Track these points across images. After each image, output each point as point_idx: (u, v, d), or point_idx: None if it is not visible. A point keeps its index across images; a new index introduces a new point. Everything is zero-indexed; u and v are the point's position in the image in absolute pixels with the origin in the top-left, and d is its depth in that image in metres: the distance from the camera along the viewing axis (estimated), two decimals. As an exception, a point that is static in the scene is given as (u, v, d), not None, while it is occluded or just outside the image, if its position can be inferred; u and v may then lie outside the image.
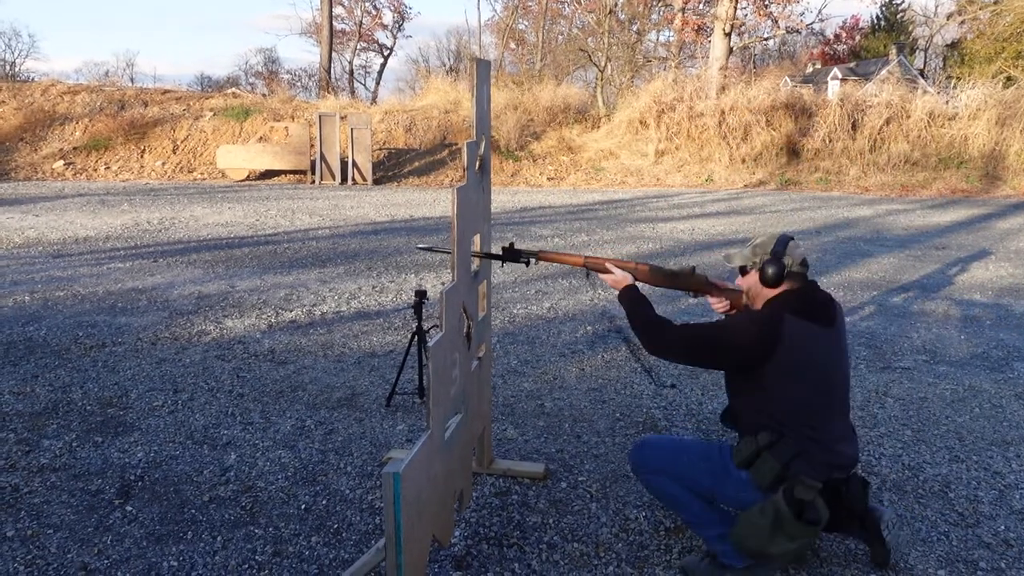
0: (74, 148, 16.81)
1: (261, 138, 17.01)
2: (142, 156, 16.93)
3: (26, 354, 4.53)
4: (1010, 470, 3.20)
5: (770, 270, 2.27)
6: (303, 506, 2.81)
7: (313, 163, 16.23)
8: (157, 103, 18.31)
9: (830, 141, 18.51)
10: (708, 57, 21.65)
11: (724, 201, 14.49)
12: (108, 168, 16.41)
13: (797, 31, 26.39)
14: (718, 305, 2.62)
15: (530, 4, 36.60)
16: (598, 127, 19.79)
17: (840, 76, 32.23)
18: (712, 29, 21.75)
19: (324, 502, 2.84)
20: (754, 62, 36.57)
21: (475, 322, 2.50)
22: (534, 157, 18.45)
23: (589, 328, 5.31)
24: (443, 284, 6.24)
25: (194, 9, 77.33)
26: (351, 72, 40.08)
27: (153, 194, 13.31)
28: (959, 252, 8.87)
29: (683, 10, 25.89)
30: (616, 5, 28.37)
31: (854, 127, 18.57)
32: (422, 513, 1.90)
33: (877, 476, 3.11)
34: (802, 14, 37.99)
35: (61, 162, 16.27)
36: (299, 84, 42.07)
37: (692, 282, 2.62)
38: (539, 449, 3.34)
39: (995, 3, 23.52)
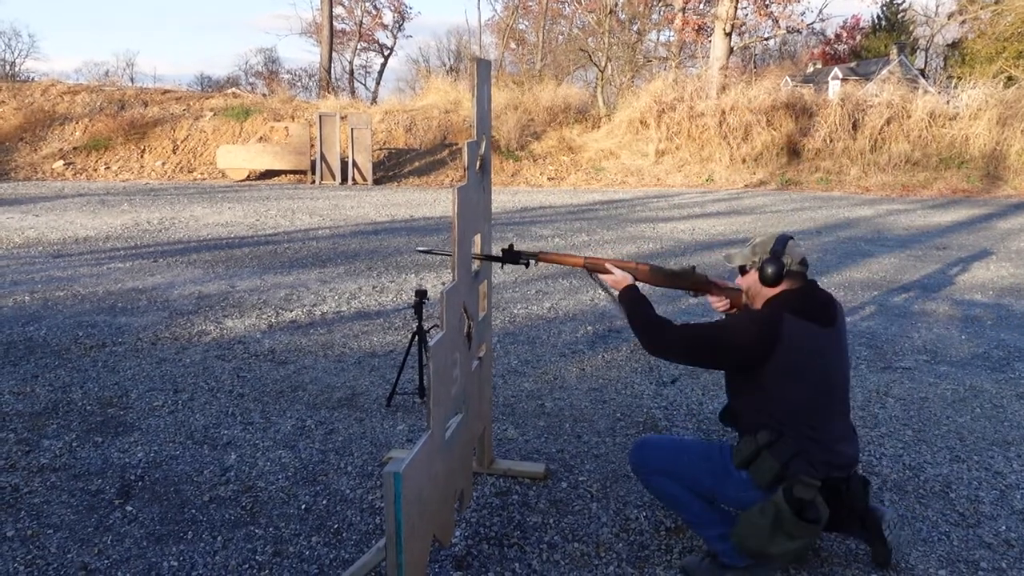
0: (74, 148, 16.81)
1: (261, 138, 17.01)
2: (142, 156, 16.93)
3: (26, 354, 4.53)
4: (1011, 470, 3.20)
5: (769, 269, 2.28)
6: (303, 506, 2.81)
7: (313, 163, 16.22)
8: (157, 103, 18.31)
9: (831, 141, 18.50)
10: (708, 57, 21.64)
11: (724, 201, 14.48)
12: (108, 168, 16.41)
13: (798, 31, 26.42)
14: (718, 304, 2.61)
15: (530, 4, 36.61)
16: (598, 127, 19.78)
17: (841, 76, 32.21)
18: (712, 29, 21.75)
19: (324, 502, 2.84)
20: (755, 62, 36.52)
21: (475, 322, 2.50)
22: (534, 157, 18.45)
23: (589, 328, 5.31)
24: (443, 284, 6.25)
25: (194, 9, 77.43)
26: (351, 72, 40.11)
27: (153, 194, 13.31)
28: (960, 252, 8.87)
29: (683, 10, 25.87)
30: (616, 5, 28.38)
31: (855, 127, 18.57)
32: (423, 513, 1.90)
33: (878, 476, 3.11)
34: (803, 14, 38.06)
35: (61, 162, 16.28)
36: (299, 84, 42.12)
37: (692, 281, 2.62)
38: (539, 449, 3.34)
39: (996, 3, 23.51)
